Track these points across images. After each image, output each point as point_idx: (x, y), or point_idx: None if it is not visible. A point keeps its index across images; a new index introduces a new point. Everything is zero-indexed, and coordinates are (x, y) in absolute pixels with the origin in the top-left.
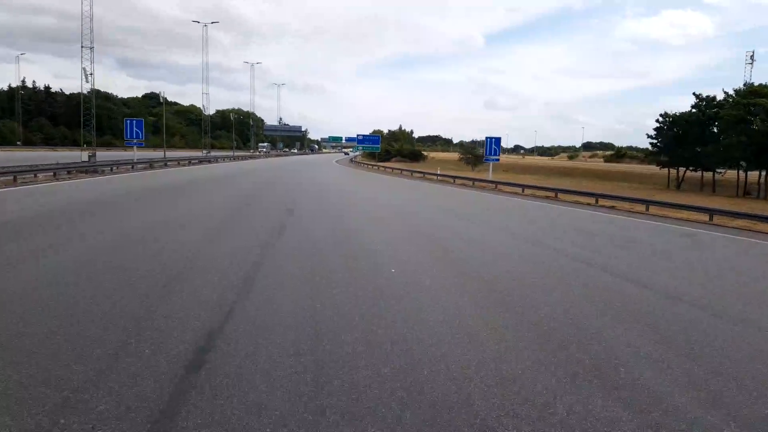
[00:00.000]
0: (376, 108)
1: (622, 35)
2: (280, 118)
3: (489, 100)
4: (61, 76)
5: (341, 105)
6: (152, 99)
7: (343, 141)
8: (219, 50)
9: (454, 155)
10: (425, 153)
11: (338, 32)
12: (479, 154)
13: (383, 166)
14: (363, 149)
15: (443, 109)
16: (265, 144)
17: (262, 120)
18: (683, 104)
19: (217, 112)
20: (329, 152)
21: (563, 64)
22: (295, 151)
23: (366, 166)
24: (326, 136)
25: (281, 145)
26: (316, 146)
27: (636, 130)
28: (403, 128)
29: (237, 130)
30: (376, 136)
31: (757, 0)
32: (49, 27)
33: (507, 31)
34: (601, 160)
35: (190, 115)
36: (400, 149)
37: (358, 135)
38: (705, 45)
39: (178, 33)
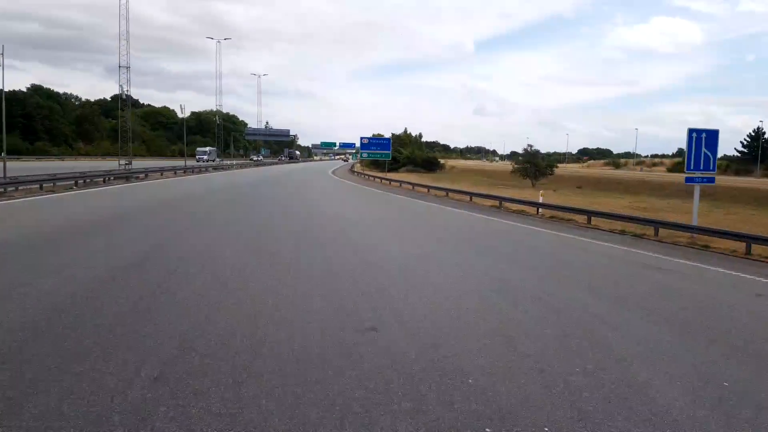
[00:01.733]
0: (367, 114)
1: (612, 43)
2: (266, 122)
3: (478, 106)
4: (48, 83)
5: (332, 111)
6: (123, 101)
7: (337, 147)
8: (208, 56)
9: (469, 162)
10: (442, 161)
11: (330, 38)
12: (541, 164)
13: (405, 182)
14: (369, 156)
15: (434, 115)
16: (206, 149)
17: (245, 123)
18: (675, 110)
19: (193, 114)
20: (321, 160)
21: (552, 71)
22: (261, 158)
23: (376, 180)
24: (318, 142)
25: (265, 152)
26: (298, 152)
27: (626, 137)
28: (408, 131)
29: (215, 135)
30: (384, 139)
31: (748, 8)
32: (35, 34)
33: (498, 38)
34: (663, 169)
35: (160, 118)
36: (411, 156)
37: (361, 138)
38: (694, 53)
39: (167, 40)
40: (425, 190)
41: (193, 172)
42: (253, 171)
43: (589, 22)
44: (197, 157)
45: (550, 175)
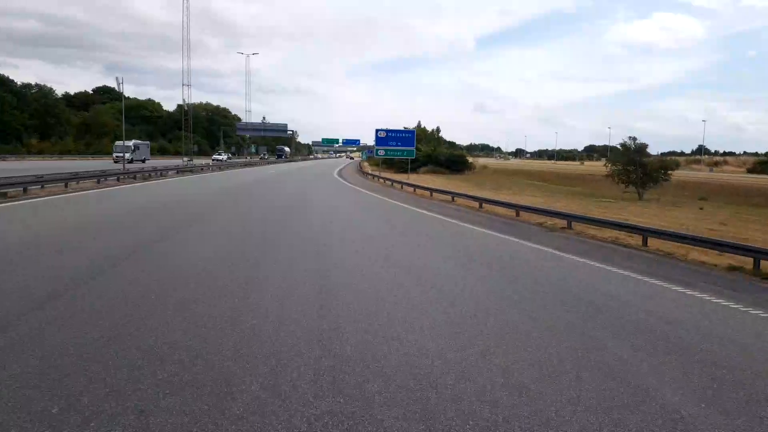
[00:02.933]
0: (367, 111)
1: (613, 39)
2: (263, 117)
3: (478, 102)
4: (47, 81)
5: (332, 108)
6: (105, 93)
7: (340, 144)
8: (207, 54)
9: (482, 160)
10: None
11: (330, 35)
12: (653, 165)
13: (459, 194)
14: (387, 154)
15: (434, 111)
16: (130, 144)
17: (239, 118)
18: (676, 106)
19: (179, 107)
20: (317, 158)
21: (553, 68)
22: (225, 157)
23: (405, 189)
24: (318, 139)
25: (255, 149)
26: (287, 149)
27: (626, 134)
28: (422, 125)
29: (207, 131)
30: (407, 132)
31: (749, 3)
32: (35, 31)
33: (498, 34)
34: (734, 169)
35: (144, 112)
36: (432, 154)
37: (377, 131)
38: (695, 48)
39: (166, 37)
40: (513, 212)
41: (135, 178)
42: (223, 177)
43: (590, 18)
44: (115, 155)
45: (665, 181)
